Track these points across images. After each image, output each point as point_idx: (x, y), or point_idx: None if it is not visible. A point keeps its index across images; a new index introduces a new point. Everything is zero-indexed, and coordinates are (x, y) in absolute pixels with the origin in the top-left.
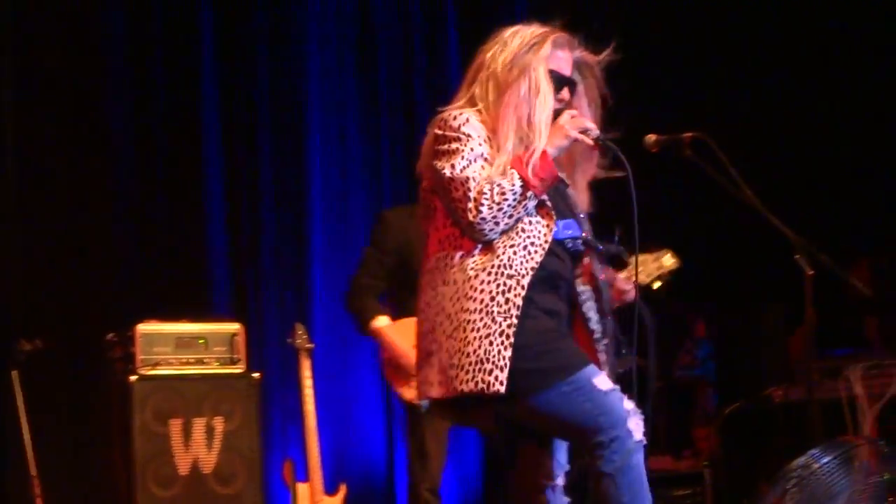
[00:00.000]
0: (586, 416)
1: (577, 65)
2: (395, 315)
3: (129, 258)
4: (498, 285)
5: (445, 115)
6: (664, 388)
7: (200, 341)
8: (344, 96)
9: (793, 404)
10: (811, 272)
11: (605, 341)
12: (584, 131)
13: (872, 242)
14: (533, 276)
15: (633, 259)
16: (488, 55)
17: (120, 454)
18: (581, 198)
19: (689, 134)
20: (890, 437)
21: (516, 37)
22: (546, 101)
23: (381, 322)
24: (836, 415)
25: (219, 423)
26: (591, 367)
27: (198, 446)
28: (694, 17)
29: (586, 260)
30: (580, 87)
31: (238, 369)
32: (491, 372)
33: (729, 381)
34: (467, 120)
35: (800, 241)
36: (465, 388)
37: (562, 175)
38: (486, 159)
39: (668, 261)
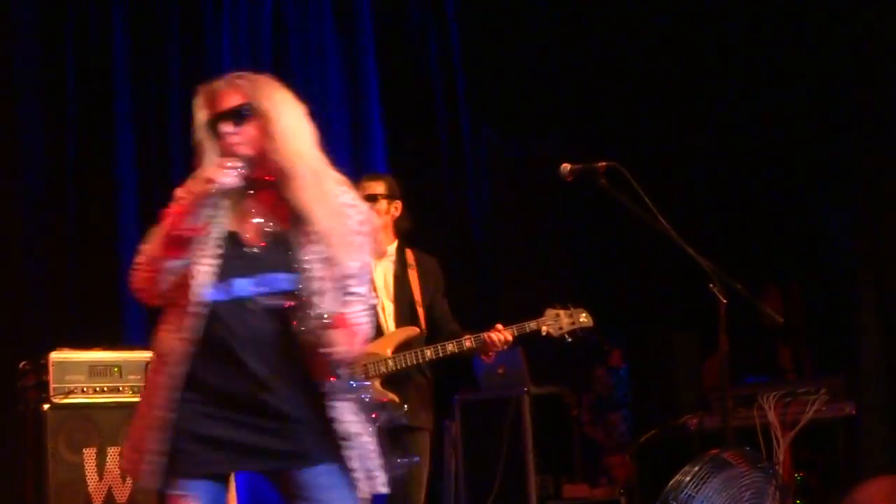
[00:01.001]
0: None
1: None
2: None
3: (42, 286)
4: (162, 375)
5: None
6: (580, 415)
7: (114, 369)
8: None
9: (708, 432)
10: (725, 301)
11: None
12: (208, 181)
13: (783, 271)
14: (187, 364)
15: (548, 310)
16: None
17: (33, 484)
18: (309, 245)
19: (604, 163)
20: (804, 464)
21: None
22: (205, 159)
23: None
24: (751, 442)
25: None
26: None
27: (112, 476)
28: (609, 46)
29: (294, 319)
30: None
31: None
32: (150, 464)
33: (644, 409)
34: (176, 196)
35: (714, 269)
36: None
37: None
38: None
39: (583, 319)
